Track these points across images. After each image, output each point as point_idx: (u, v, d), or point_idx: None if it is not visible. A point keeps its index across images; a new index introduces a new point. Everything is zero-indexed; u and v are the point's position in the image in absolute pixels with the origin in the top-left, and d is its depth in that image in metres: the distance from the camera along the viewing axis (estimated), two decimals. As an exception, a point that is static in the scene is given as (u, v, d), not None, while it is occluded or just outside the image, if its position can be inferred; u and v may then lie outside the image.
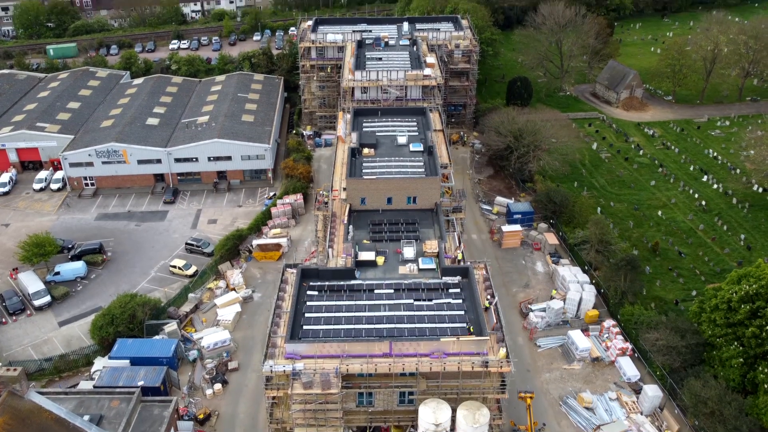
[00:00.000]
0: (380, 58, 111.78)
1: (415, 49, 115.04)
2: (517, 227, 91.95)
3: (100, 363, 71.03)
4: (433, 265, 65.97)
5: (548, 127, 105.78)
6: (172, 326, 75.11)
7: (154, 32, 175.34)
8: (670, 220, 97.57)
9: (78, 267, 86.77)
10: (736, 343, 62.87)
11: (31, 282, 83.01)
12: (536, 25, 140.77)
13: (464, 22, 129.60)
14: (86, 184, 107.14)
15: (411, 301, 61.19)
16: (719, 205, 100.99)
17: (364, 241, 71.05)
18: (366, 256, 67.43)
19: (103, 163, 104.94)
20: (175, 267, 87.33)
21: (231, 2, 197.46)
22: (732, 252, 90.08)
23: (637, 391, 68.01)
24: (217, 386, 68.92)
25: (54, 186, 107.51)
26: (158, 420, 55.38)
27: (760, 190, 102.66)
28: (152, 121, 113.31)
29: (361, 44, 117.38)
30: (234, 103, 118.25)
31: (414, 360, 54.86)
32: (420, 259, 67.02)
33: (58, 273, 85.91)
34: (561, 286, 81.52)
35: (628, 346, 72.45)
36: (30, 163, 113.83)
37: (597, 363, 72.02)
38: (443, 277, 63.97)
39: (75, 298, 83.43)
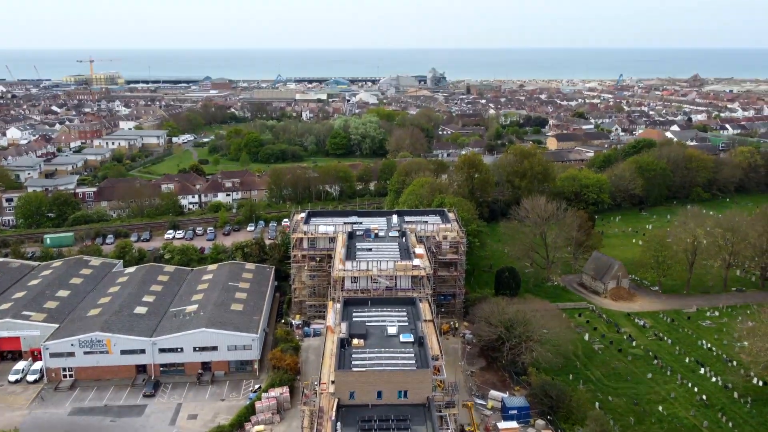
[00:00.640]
0: (370, 249, 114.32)
1: (404, 240, 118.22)
2: (514, 424, 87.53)
3: None
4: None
5: (539, 318, 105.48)
6: None
7: (151, 222, 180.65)
8: (672, 416, 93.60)
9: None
10: None
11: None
12: (520, 218, 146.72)
13: (451, 215, 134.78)
14: (64, 376, 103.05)
15: None
16: (721, 399, 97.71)
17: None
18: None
19: (85, 353, 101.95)
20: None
21: (227, 195, 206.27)
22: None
23: None
24: None
25: (30, 378, 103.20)
26: None
27: (761, 383, 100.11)
28: (140, 309, 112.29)
29: (351, 235, 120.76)
30: (224, 292, 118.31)
31: None
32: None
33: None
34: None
35: None
36: (9, 353, 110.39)
37: None
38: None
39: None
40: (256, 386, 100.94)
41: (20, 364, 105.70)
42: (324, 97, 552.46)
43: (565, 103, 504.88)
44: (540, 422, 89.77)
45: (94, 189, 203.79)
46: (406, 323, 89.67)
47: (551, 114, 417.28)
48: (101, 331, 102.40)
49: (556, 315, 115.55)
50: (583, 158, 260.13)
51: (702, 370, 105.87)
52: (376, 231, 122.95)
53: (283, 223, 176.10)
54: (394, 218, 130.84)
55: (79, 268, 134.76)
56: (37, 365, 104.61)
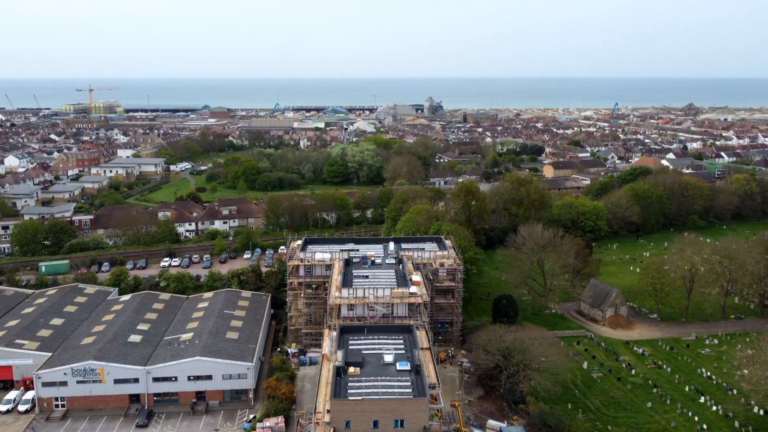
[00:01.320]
0: (367, 276, 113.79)
1: (401, 267, 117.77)
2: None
3: None
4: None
5: (537, 346, 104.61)
6: None
7: (147, 250, 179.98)
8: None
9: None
10: None
11: None
12: (517, 245, 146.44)
13: (448, 242, 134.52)
14: (56, 406, 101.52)
15: None
16: (722, 429, 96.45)
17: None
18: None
19: (78, 382, 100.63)
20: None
21: (224, 223, 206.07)
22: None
23: None
24: None
25: (22, 407, 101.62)
26: None
27: (762, 412, 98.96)
28: (134, 338, 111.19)
29: (348, 263, 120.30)
30: (219, 320, 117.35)
31: None
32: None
33: None
34: None
35: None
36: (0, 383, 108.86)
37: None
38: None
39: None
40: (251, 416, 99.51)
41: (12, 394, 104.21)
42: (322, 125, 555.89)
43: (561, 131, 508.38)
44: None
45: (91, 216, 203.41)
46: (403, 351, 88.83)
47: (547, 142, 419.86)
48: (94, 360, 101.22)
49: (555, 343, 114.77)
50: (579, 186, 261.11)
51: (702, 399, 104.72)
52: (372, 258, 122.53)
53: (279, 251, 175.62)
54: (391, 245, 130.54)
55: (74, 296, 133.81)
56: (29, 395, 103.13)
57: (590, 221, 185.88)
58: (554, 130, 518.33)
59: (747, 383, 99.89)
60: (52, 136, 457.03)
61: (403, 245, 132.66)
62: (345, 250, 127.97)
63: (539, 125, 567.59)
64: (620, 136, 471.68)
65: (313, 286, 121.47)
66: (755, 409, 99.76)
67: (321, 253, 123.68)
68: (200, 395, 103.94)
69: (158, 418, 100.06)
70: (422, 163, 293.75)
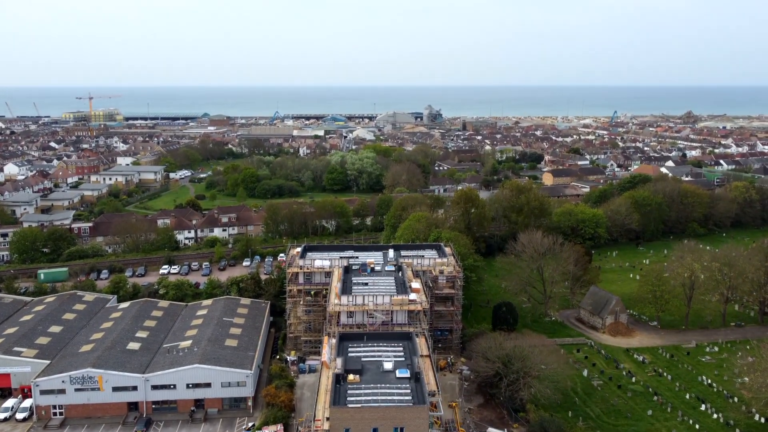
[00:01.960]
0: (366, 283, 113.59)
1: (400, 274, 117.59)
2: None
3: None
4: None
5: (537, 353, 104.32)
6: None
7: (147, 258, 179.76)
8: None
9: None
10: None
11: None
12: (517, 253, 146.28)
13: (447, 250, 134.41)
14: (55, 414, 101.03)
15: None
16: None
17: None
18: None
19: (76, 390, 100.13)
20: None
21: (224, 230, 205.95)
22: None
23: None
24: None
25: (20, 415, 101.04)
26: None
27: (763, 420, 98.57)
28: (133, 345, 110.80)
29: (347, 270, 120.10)
30: (218, 328, 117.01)
31: None
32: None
33: None
34: None
35: None
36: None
37: None
38: None
39: None
40: (250, 424, 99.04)
41: (10, 402, 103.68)
42: (321, 133, 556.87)
43: (560, 139, 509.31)
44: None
45: (90, 224, 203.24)
46: (403, 358, 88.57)
47: (547, 150, 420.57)
48: (93, 368, 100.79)
49: (555, 350, 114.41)
50: (578, 193, 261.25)
51: (703, 407, 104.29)
52: (372, 265, 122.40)
53: (279, 258, 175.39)
54: (391, 252, 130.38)
55: (73, 304, 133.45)
56: (27, 402, 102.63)
57: (590, 229, 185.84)
58: (553, 137, 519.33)
59: (748, 391, 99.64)
60: (52, 144, 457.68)
61: (403, 252, 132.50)
62: (344, 257, 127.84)
63: (538, 133, 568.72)
64: (619, 144, 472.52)
65: (312, 293, 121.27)
66: (756, 417, 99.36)
67: (320, 261, 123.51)
68: (199, 403, 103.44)
69: (157, 426, 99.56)
70: (421, 170, 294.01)
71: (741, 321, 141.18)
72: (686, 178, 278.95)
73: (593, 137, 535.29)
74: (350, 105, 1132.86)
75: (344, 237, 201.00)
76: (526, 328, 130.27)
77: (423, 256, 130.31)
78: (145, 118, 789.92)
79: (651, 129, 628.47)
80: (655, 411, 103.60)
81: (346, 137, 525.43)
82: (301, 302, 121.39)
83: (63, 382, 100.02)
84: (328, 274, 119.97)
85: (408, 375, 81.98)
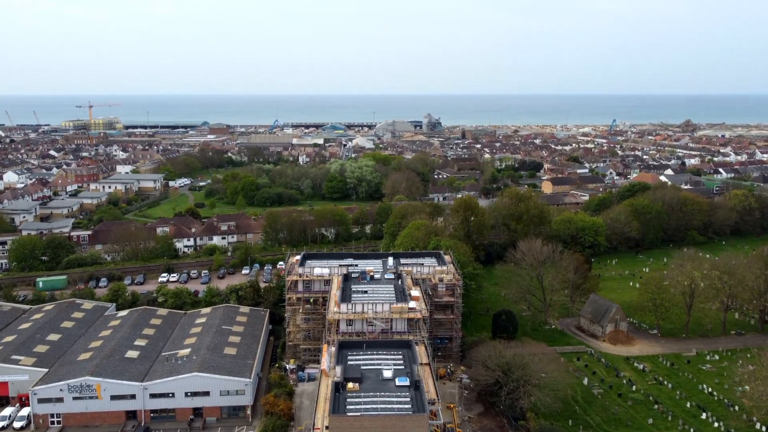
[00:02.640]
0: (366, 291, 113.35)
1: (399, 282, 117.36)
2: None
3: None
4: None
5: (537, 362, 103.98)
6: None
7: (146, 266, 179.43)
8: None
9: None
10: None
11: None
12: (516, 261, 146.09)
13: (447, 258, 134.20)
14: (52, 422, 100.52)
15: None
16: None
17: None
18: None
19: (74, 398, 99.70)
20: None
21: (223, 238, 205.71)
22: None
23: None
24: None
25: (17, 424, 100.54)
26: None
27: (764, 428, 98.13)
28: (131, 354, 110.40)
29: (347, 278, 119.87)
30: (217, 336, 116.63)
31: None
32: None
33: None
34: None
35: None
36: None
37: None
38: None
39: None
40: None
41: (7, 410, 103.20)
42: (321, 141, 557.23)
43: (559, 147, 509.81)
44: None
45: (89, 232, 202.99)
46: (402, 367, 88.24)
47: (546, 158, 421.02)
48: (91, 376, 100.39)
49: (555, 359, 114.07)
50: (578, 201, 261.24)
51: (704, 415, 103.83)
52: (371, 273, 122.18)
53: (278, 266, 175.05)
54: (390, 260, 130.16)
55: (71, 312, 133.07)
56: (25, 411, 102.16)
57: (589, 237, 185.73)
58: (552, 146, 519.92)
59: (749, 399, 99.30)
60: (52, 152, 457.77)
61: (402, 260, 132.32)
62: (344, 265, 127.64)
63: (537, 141, 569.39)
64: (618, 152, 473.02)
65: (312, 300, 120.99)
66: (757, 426, 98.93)
67: (320, 269, 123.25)
68: (197, 411, 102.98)
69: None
70: (421, 178, 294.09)
71: (741, 329, 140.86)
72: (685, 187, 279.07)
73: (592, 146, 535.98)
74: (349, 113, 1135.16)
75: (344, 245, 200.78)
76: (525, 337, 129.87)
77: (422, 264, 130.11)
78: (145, 127, 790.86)
79: (650, 137, 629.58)
80: (655, 419, 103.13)
81: (345, 145, 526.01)
82: (301, 310, 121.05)
83: (61, 390, 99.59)
84: (328, 282, 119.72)
85: (408, 383, 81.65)
